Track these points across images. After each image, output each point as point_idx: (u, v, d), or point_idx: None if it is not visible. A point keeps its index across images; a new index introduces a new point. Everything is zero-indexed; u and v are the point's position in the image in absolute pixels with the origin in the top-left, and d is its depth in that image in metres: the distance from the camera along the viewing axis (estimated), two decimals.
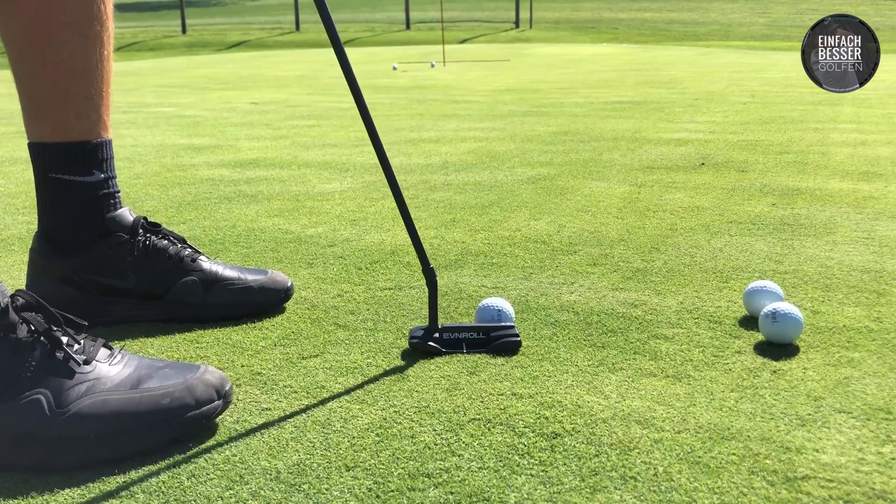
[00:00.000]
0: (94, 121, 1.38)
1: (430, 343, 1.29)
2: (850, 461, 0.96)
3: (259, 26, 23.68)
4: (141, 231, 1.44)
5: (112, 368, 1.05)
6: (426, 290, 1.59)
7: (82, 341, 1.06)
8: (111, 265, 1.42)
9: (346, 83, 1.27)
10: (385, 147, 1.26)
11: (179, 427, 1.02)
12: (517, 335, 1.31)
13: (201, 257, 1.50)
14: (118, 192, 1.44)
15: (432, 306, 1.30)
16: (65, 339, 1.03)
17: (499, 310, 1.36)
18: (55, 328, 1.03)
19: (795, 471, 0.94)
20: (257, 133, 4.09)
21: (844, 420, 1.06)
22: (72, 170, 1.37)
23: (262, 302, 1.48)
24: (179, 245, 1.49)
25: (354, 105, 1.28)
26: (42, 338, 1.02)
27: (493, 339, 1.30)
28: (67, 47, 1.32)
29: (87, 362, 1.03)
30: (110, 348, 1.09)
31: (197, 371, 1.08)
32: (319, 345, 1.34)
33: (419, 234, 1.30)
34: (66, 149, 1.36)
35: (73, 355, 1.02)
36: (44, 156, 1.37)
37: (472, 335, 1.31)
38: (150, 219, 1.57)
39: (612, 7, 26.89)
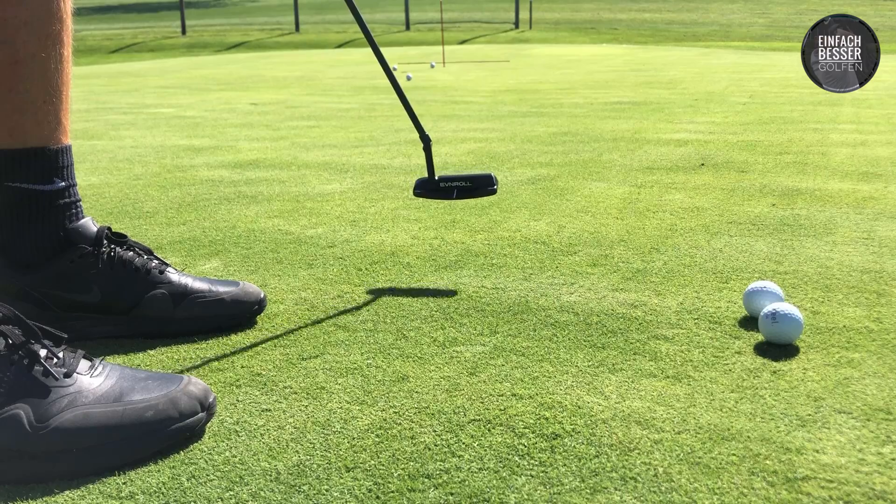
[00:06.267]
0: (54, 125, 1.29)
1: (430, 192, 1.68)
2: (850, 462, 0.96)
3: (259, 27, 23.69)
4: (105, 242, 1.36)
5: (93, 381, 1.03)
6: (426, 290, 1.60)
7: (61, 354, 1.03)
8: (74, 279, 1.34)
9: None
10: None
11: (163, 440, 1.01)
12: (494, 183, 1.65)
13: (169, 269, 1.42)
14: (80, 200, 1.36)
15: (429, 163, 1.67)
16: (43, 353, 1.01)
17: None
18: (33, 341, 1.01)
19: (795, 471, 0.94)
20: (257, 134, 4.09)
21: (844, 420, 1.06)
22: (30, 178, 1.28)
23: (235, 314, 1.42)
24: (146, 256, 1.41)
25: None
26: (20, 352, 0.99)
27: (478, 187, 1.66)
28: (26, 48, 1.23)
29: (67, 375, 1.01)
30: (91, 360, 1.06)
31: (180, 383, 1.06)
32: (319, 345, 1.34)
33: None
34: (23, 155, 1.27)
35: (52, 369, 1.00)
36: None
37: (461, 184, 1.66)
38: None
39: (612, 7, 26.91)
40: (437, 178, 1.67)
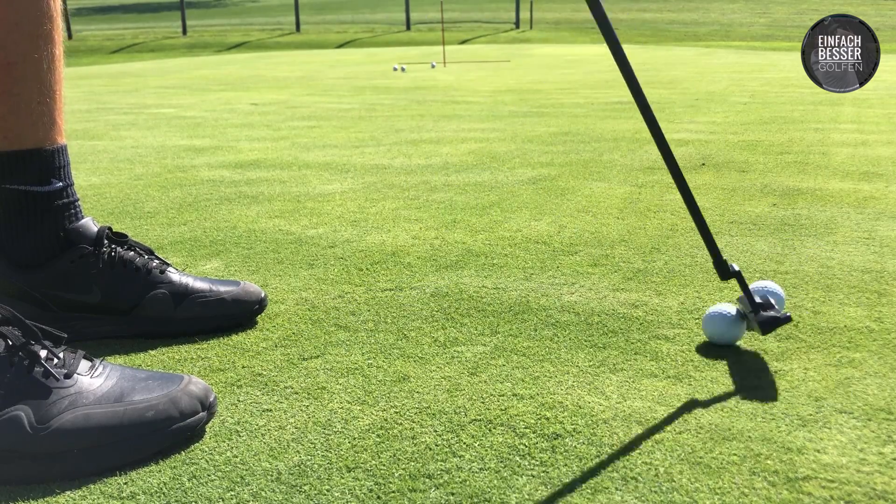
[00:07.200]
0: (48, 126, 1.29)
1: (774, 315, 1.22)
2: (851, 461, 0.96)
3: (259, 27, 23.69)
4: (106, 242, 1.36)
5: (94, 381, 1.03)
6: (426, 290, 1.59)
7: (62, 354, 1.03)
8: (74, 279, 1.34)
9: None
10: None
11: (164, 440, 1.01)
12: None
13: (170, 269, 1.42)
14: (78, 200, 1.35)
15: (745, 290, 1.25)
16: (43, 354, 1.01)
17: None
18: (32, 342, 1.01)
19: (796, 471, 0.94)
20: (258, 134, 4.10)
21: (845, 420, 1.06)
22: (26, 179, 1.28)
23: (236, 314, 1.41)
24: (147, 256, 1.41)
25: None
26: (20, 353, 0.99)
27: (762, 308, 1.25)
28: (17, 49, 1.23)
29: (67, 376, 1.01)
30: (91, 360, 1.06)
31: (181, 382, 1.06)
32: (320, 346, 1.34)
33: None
34: (19, 157, 1.27)
35: (53, 370, 1.00)
36: None
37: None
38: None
39: (613, 7, 26.89)
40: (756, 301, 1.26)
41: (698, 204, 1.27)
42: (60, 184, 1.32)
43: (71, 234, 1.34)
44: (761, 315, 1.24)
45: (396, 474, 0.95)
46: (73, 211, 1.35)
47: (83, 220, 1.36)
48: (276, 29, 22.71)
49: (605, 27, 1.18)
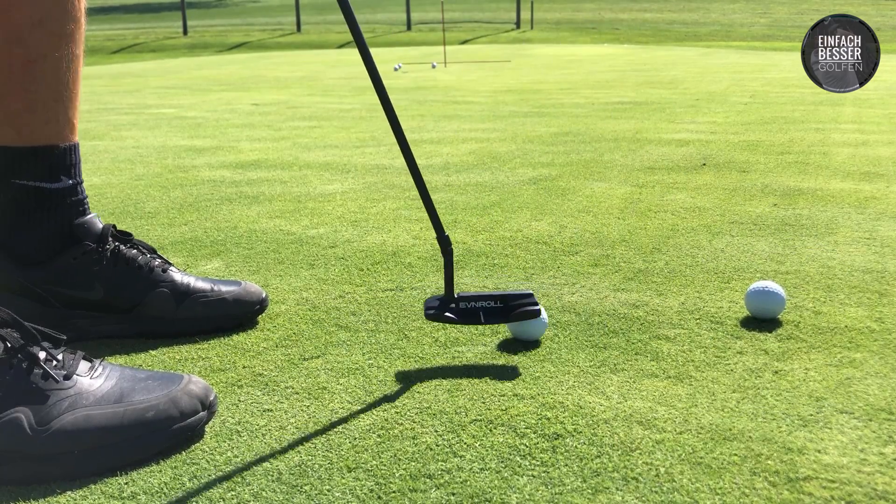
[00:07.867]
0: (63, 123, 1.29)
1: (447, 314, 1.26)
2: (852, 462, 0.96)
3: (260, 28, 23.71)
4: (110, 239, 1.37)
5: (94, 382, 1.03)
6: (427, 291, 1.59)
7: (61, 356, 1.03)
8: (77, 276, 1.34)
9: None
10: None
11: (165, 440, 1.01)
12: (537, 303, 1.28)
13: (172, 268, 1.42)
14: (86, 198, 1.36)
15: (448, 276, 1.27)
16: (42, 355, 1.00)
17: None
18: (31, 344, 1.00)
19: (797, 471, 0.94)
20: (258, 134, 4.10)
21: (846, 421, 1.06)
22: (38, 175, 1.28)
23: (237, 314, 1.41)
24: (149, 255, 1.41)
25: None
26: (18, 355, 0.99)
27: (511, 308, 1.27)
28: (38, 47, 1.23)
29: (67, 377, 1.01)
30: (90, 361, 1.06)
31: (181, 382, 1.06)
32: (321, 346, 1.34)
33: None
34: (32, 153, 1.27)
35: (52, 371, 1.00)
36: (6, 160, 1.28)
37: (489, 304, 1.28)
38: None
39: (613, 7, 26.91)
40: (455, 295, 1.28)
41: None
42: (71, 181, 1.32)
43: (76, 230, 1.34)
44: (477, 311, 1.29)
45: (397, 474, 0.95)
46: (81, 209, 1.35)
47: (88, 217, 1.36)
48: (277, 29, 22.73)
49: (353, 26, 1.21)
